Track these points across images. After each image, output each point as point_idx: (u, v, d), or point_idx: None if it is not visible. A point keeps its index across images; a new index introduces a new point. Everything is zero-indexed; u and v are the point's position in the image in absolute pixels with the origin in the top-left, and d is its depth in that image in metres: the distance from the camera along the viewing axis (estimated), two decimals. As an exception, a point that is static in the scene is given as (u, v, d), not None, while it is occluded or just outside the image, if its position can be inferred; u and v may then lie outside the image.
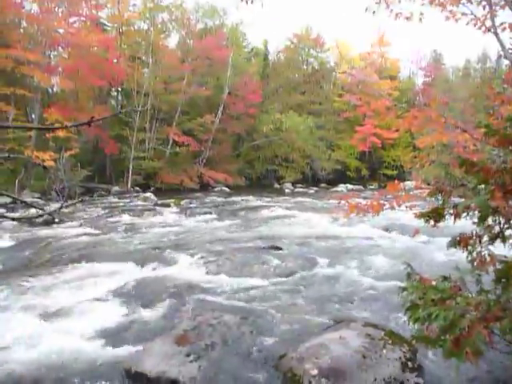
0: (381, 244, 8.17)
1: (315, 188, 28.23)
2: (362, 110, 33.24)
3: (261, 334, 3.79)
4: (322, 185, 31.06)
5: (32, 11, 22.00)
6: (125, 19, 27.49)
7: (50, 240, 9.28)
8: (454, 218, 2.17)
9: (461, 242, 2.11)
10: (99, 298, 5.15)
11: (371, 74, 34.03)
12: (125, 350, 3.65)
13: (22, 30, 21.98)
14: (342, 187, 27.21)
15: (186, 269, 6.72)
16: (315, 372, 3.00)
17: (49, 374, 3.37)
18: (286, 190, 27.20)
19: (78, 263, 7.26)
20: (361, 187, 28.92)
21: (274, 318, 4.18)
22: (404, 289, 2.15)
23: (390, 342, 3.38)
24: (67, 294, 5.46)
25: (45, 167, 18.57)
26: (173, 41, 33.69)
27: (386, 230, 9.69)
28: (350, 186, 27.80)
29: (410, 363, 3.19)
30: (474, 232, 2.08)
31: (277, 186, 31.07)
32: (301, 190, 27.50)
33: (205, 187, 27.23)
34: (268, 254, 7.41)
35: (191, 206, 16.97)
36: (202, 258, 7.22)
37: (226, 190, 26.49)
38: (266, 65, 36.89)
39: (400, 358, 3.21)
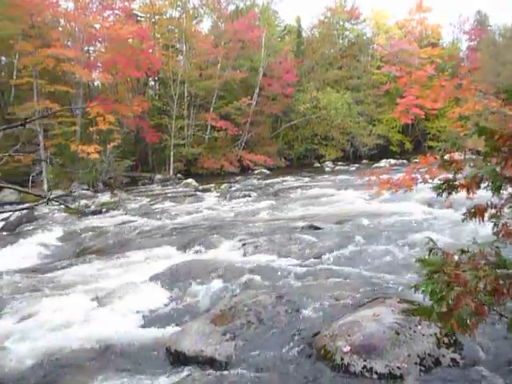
0: (422, 220, 7.97)
1: (356, 165, 27.69)
2: (402, 80, 31.97)
3: (296, 312, 3.85)
4: (364, 161, 30.40)
5: (68, 9, 22.72)
6: (157, 8, 27.75)
7: (98, 228, 9.75)
8: (467, 190, 2.11)
9: (476, 213, 2.04)
10: (144, 281, 5.40)
11: (411, 42, 32.61)
12: (166, 330, 3.85)
13: (60, 29, 22.75)
14: (384, 162, 26.51)
15: (225, 251, 6.89)
16: (347, 349, 3.03)
17: (98, 350, 3.62)
18: (326, 169, 26.89)
19: (124, 249, 7.62)
20: (404, 161, 28.10)
21: (309, 297, 4.23)
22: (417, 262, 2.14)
23: (426, 317, 3.35)
24: (115, 278, 5.79)
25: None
26: (205, 26, 33.72)
27: (430, 205, 9.39)
28: (392, 161, 27.03)
29: (446, 339, 3.15)
30: (489, 202, 2.00)
31: (317, 164, 30.74)
32: (341, 167, 27.08)
33: (245, 170, 27.40)
34: (305, 233, 7.44)
35: (231, 189, 17.18)
36: (240, 240, 7.37)
37: (266, 171, 26.55)
38: (299, 42, 36.16)
39: (436, 333, 3.17)
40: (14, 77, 20.90)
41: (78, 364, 3.44)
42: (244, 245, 7.02)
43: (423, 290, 1.84)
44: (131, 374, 3.21)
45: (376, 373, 2.86)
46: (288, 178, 20.30)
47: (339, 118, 31.14)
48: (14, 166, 18.60)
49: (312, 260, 5.95)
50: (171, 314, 4.31)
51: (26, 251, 7.98)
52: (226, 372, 3.07)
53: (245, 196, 14.23)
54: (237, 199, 13.74)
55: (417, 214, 8.47)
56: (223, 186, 18.05)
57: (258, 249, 6.71)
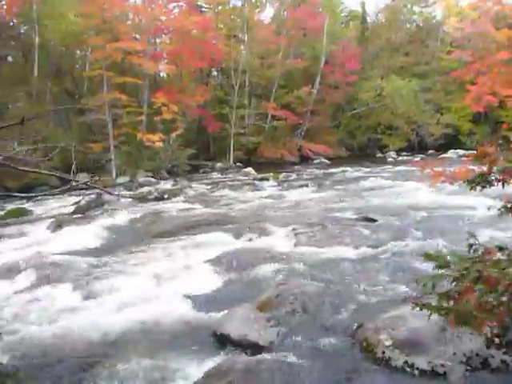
0: (485, 215, 7.53)
1: (421, 155, 26.51)
2: (474, 66, 29.99)
3: (341, 303, 3.86)
4: (430, 151, 29.03)
5: (136, 3, 23.68)
6: (220, -2, 28.12)
7: (160, 214, 10.21)
8: (502, 184, 1.98)
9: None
10: (198, 266, 5.64)
11: (485, 24, 30.40)
12: (214, 313, 4.01)
13: (129, 23, 23.78)
14: (451, 153, 25.20)
15: (277, 240, 6.96)
16: (389, 342, 3.00)
17: (151, 329, 3.87)
18: (389, 159, 26.04)
19: (181, 234, 7.94)
20: (475, 152, 26.50)
21: (356, 289, 4.21)
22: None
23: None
24: (172, 261, 6.09)
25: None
26: (267, 14, 33.62)
27: (501, 199, 8.81)
28: (461, 152, 25.59)
29: (497, 339, 3.01)
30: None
31: (380, 155, 29.86)
32: (405, 158, 26.08)
33: (304, 160, 27.25)
34: (360, 225, 7.34)
35: (289, 179, 17.21)
36: (294, 229, 7.40)
37: (326, 161, 26.22)
38: (364, 28, 34.98)
39: (485, 333, 3.04)
40: (87, 69, 22.20)
41: (132, 341, 3.70)
42: (296, 234, 7.06)
43: (423, 285, 1.81)
44: (179, 353, 3.40)
45: (418, 369, 2.82)
46: (348, 168, 19.93)
47: (404, 106, 29.91)
48: (86, 154, 19.89)
49: (364, 252, 5.86)
50: (220, 299, 4.47)
51: (94, 233, 8.55)
52: (267, 357, 3.16)
53: (302, 186, 14.19)
54: (294, 189, 13.74)
55: (481, 209, 8.01)
56: (281, 176, 18.10)
57: (310, 239, 6.72)
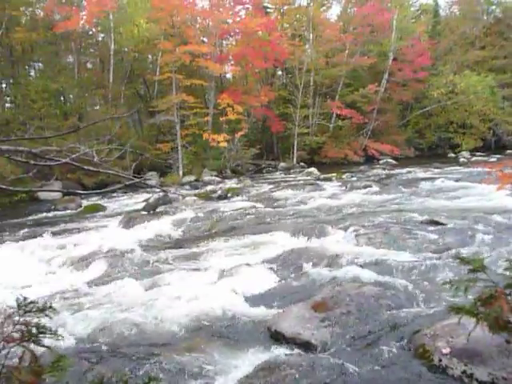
0: None
1: (498, 156, 24.81)
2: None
3: (398, 308, 3.77)
4: (508, 151, 27.10)
5: (204, 8, 24.41)
6: (285, -1, 28.17)
7: (223, 212, 10.49)
8: None
9: None
10: (257, 263, 5.76)
11: None
12: (269, 311, 4.09)
13: (197, 26, 24.58)
14: (533, 153, 23.35)
15: (337, 241, 6.91)
16: (447, 350, 2.90)
17: (208, 322, 4.02)
18: (461, 160, 24.62)
19: (242, 233, 8.12)
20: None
21: (415, 294, 4.09)
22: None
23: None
24: (232, 258, 6.27)
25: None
26: (333, 12, 33.18)
27: None
28: (545, 152, 23.64)
29: None
30: None
31: (451, 155, 28.33)
32: (479, 158, 24.52)
33: (370, 160, 26.57)
34: (425, 228, 7.06)
35: (352, 179, 16.88)
36: (354, 230, 7.30)
37: (392, 162, 25.37)
38: (436, 22, 33.30)
39: (556, 346, 2.84)
40: (157, 73, 23.27)
41: (191, 332, 3.88)
42: (357, 236, 6.95)
43: (456, 288, 1.73)
44: (235, 346, 3.52)
45: (476, 380, 2.70)
46: (416, 169, 19.16)
47: (479, 103, 28.16)
48: (155, 154, 20.87)
49: (428, 257, 5.65)
50: (276, 297, 4.54)
51: (161, 229, 9.00)
52: (320, 356, 3.18)
53: (366, 186, 13.86)
54: (357, 189, 13.46)
55: None
56: (345, 176, 17.82)
57: (371, 240, 6.59)
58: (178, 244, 7.93)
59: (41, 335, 0.75)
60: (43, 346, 0.77)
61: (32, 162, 1.33)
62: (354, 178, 16.98)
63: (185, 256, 6.76)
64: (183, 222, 9.70)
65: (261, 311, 4.16)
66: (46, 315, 0.83)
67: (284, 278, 5.14)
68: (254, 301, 4.49)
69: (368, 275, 4.81)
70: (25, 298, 0.82)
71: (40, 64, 25.39)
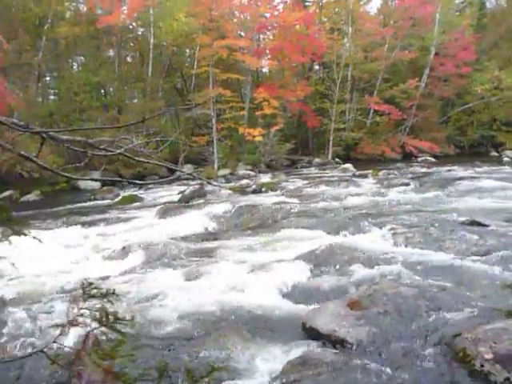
0: None
1: (546, 155, 23.72)
2: None
3: (437, 310, 3.66)
4: (556, 151, 25.83)
5: (242, 2, 24.46)
6: (325, -8, 27.81)
7: (256, 207, 10.49)
8: None
9: None
10: (290, 259, 5.74)
11: None
12: (303, 306, 4.07)
13: (234, 20, 24.65)
14: None
15: (373, 239, 6.78)
16: (490, 356, 2.79)
17: (242, 315, 4.05)
18: (505, 159, 23.63)
19: (276, 227, 8.13)
20: None
21: (456, 296, 3.96)
22: None
23: None
24: (265, 253, 6.28)
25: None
26: (374, 5, 32.47)
27: None
28: None
29: None
30: None
31: (494, 154, 27.28)
32: (525, 157, 23.52)
33: (407, 157, 25.94)
34: (466, 229, 6.81)
35: (389, 176, 16.50)
36: (391, 229, 7.14)
37: (431, 159, 24.67)
38: (482, 15, 31.95)
39: None
40: (195, 67, 23.51)
41: (224, 324, 3.91)
42: (394, 234, 6.80)
43: None
44: (269, 340, 3.53)
45: (521, 387, 2.59)
46: (456, 167, 18.54)
47: (527, 99, 26.95)
48: (192, 147, 21.14)
49: (469, 259, 5.46)
50: (311, 292, 4.51)
51: (196, 221, 9.12)
52: (355, 355, 3.14)
53: (403, 184, 13.54)
54: (394, 187, 13.17)
55: None
56: (381, 173, 17.45)
57: (408, 240, 6.43)
58: (212, 236, 8.02)
59: (117, 321, 0.77)
60: (117, 331, 0.79)
61: (89, 151, 1.38)
62: (391, 176, 16.61)
63: (218, 248, 6.82)
64: (218, 215, 9.78)
65: (294, 306, 4.15)
66: (109, 301, 0.85)
67: (318, 274, 5.10)
68: (287, 296, 4.48)
69: (405, 275, 4.70)
70: (89, 284, 0.84)
71: (82, 58, 26.16)
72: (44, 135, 1.23)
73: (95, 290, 0.84)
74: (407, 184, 13.33)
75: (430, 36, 27.16)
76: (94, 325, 0.83)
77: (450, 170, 17.69)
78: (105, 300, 0.85)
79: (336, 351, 3.23)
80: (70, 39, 23.50)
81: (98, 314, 0.82)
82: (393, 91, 26.94)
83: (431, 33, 27.06)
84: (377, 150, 25.99)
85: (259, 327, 3.79)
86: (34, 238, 0.84)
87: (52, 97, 24.85)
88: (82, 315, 0.85)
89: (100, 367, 0.71)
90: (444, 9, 27.34)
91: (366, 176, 16.70)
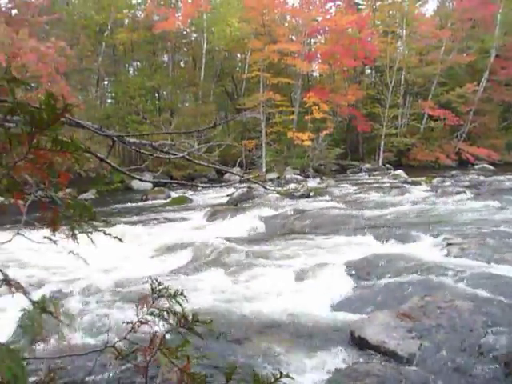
0: None
1: None
2: None
3: (495, 326, 3.47)
4: None
5: (294, 6, 24.49)
6: (378, -6, 27.28)
7: (303, 211, 10.43)
8: None
9: None
10: (337, 265, 5.63)
11: None
12: (351, 316, 3.99)
13: (286, 25, 24.70)
14: None
15: (425, 248, 6.54)
16: (555, 378, 2.61)
17: (287, 320, 4.02)
18: None
19: (324, 233, 8.03)
20: None
21: (516, 313, 3.73)
22: None
23: None
24: (312, 258, 6.22)
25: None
26: (430, 7, 31.47)
27: None
28: None
29: None
30: None
31: (562, 162, 25.57)
32: None
33: (463, 164, 24.84)
34: (528, 242, 6.43)
35: (444, 184, 15.87)
36: (445, 239, 6.85)
37: (489, 167, 23.46)
38: (549, 15, 30.11)
39: None
40: (246, 71, 23.78)
41: (269, 328, 3.91)
42: (449, 244, 6.52)
43: None
44: (313, 348, 3.48)
45: None
46: (518, 176, 17.55)
47: None
48: (239, 150, 21.36)
49: (531, 273, 5.14)
50: (358, 301, 4.42)
51: (243, 224, 9.21)
52: (405, 369, 3.04)
53: (459, 193, 12.96)
54: (449, 195, 12.64)
55: None
56: (435, 180, 16.83)
57: (464, 251, 6.14)
58: (258, 239, 8.05)
59: (196, 323, 0.80)
60: (196, 333, 0.81)
61: (154, 154, 1.44)
62: (446, 183, 15.97)
63: (265, 252, 6.84)
64: (265, 218, 9.81)
65: (342, 314, 4.08)
66: (177, 301, 0.88)
67: (367, 282, 4.98)
68: (334, 303, 4.41)
69: (461, 288, 4.49)
70: (159, 283, 0.87)
71: (138, 63, 27.20)
72: (114, 138, 1.29)
73: (164, 290, 0.87)
74: (463, 192, 12.75)
75: (491, 38, 25.90)
76: (163, 324, 0.86)
77: (510, 179, 16.75)
78: (173, 301, 0.87)
79: (385, 363, 3.14)
80: (128, 45, 24.49)
81: (166, 313, 0.85)
82: (449, 96, 25.91)
83: (492, 34, 25.80)
84: (430, 157, 25.10)
85: (306, 334, 3.75)
86: (116, 237, 0.88)
87: (109, 100, 26.00)
88: (151, 314, 0.88)
89: (176, 367, 0.74)
90: (506, 9, 25.99)
91: (418, 183, 16.17)
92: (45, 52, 14.73)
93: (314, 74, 29.51)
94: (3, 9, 18.73)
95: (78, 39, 22.17)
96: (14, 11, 18.80)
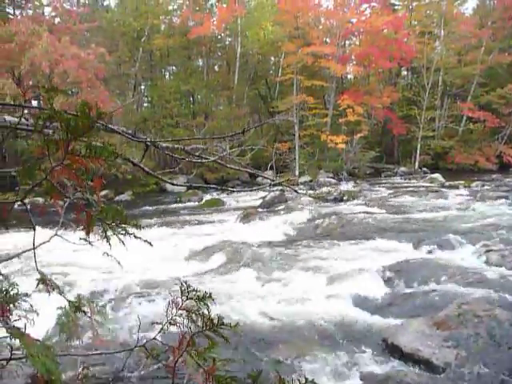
0: None
1: None
2: None
3: (538, 337, 3.32)
4: None
5: (328, 8, 24.32)
6: (416, -6, 26.67)
7: (337, 215, 10.32)
8: None
9: None
10: (370, 270, 5.54)
11: None
12: (384, 322, 3.91)
13: (320, 27, 24.57)
14: None
15: (462, 255, 6.34)
16: None
17: (319, 325, 3.99)
18: None
19: (357, 237, 7.91)
20: None
21: (561, 324, 3.55)
22: None
23: None
24: (344, 263, 6.14)
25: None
26: (469, 6, 30.53)
27: None
28: None
29: None
30: None
31: None
32: None
33: (505, 168, 23.89)
34: None
35: (484, 188, 15.33)
36: (484, 245, 6.62)
37: (533, 171, 22.51)
38: None
39: None
40: (279, 74, 23.79)
41: (300, 333, 3.88)
42: (488, 251, 6.29)
43: None
44: (348, 354, 3.43)
45: None
46: None
47: None
48: (272, 153, 21.37)
49: None
50: (392, 307, 4.33)
51: (276, 227, 9.21)
52: (440, 379, 2.95)
53: (500, 197, 12.47)
54: (489, 200, 12.19)
55: None
56: (474, 184, 16.28)
57: (504, 259, 5.91)
58: (291, 243, 8.02)
59: (222, 326, 0.81)
60: (222, 336, 0.83)
61: (186, 158, 1.47)
62: (486, 188, 15.42)
63: (297, 255, 6.81)
64: (297, 222, 9.78)
65: (375, 320, 4.00)
66: (205, 304, 0.90)
67: (401, 288, 4.87)
68: (367, 309, 4.33)
69: (500, 297, 4.32)
70: (188, 286, 0.89)
71: (174, 67, 27.72)
72: (148, 143, 1.33)
73: (193, 293, 0.89)
74: (505, 197, 12.26)
75: (535, 36, 24.87)
76: (192, 326, 0.87)
77: (556, 184, 16.00)
78: (201, 303, 0.89)
79: (419, 372, 3.06)
80: (164, 50, 25.01)
81: (194, 315, 0.86)
82: (490, 97, 25.02)
83: (537, 32, 24.78)
84: (469, 160, 24.28)
85: (338, 339, 3.71)
86: (146, 241, 0.91)
87: (145, 104, 26.64)
88: (180, 315, 0.89)
89: (202, 368, 0.75)
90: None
91: (456, 187, 15.69)
92: (85, 58, 15.27)
93: (349, 76, 29.19)
94: (47, 17, 19.57)
95: (117, 45, 22.87)
96: (57, 19, 19.61)
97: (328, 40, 24.43)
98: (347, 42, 26.57)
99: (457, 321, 3.58)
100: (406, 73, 29.76)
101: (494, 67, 25.56)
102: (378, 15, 23.08)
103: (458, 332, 3.41)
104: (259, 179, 19.24)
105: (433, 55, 24.99)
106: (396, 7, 28.39)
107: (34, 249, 0.92)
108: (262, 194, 13.62)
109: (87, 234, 0.82)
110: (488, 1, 27.78)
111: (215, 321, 0.81)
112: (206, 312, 0.85)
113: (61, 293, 0.84)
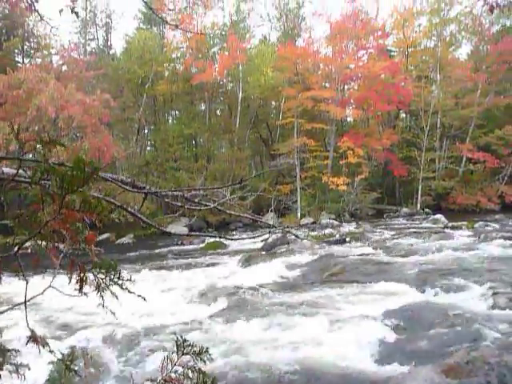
0: None
1: None
2: None
3: (552, 386, 3.18)
4: None
5: (327, 54, 25.18)
6: (410, 41, 27.61)
7: (339, 257, 10.22)
8: None
9: None
10: (375, 315, 5.41)
11: None
12: (391, 368, 3.77)
13: (319, 72, 25.31)
14: None
15: (469, 298, 6.20)
16: None
17: (321, 373, 3.84)
18: None
19: (360, 280, 7.78)
20: None
21: None
22: None
23: None
24: (349, 307, 6.01)
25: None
26: (463, 51, 31.53)
27: None
28: None
29: None
30: None
31: None
32: None
33: (507, 208, 23.81)
34: None
35: (487, 229, 15.23)
36: (490, 288, 6.49)
37: (536, 211, 22.42)
38: None
39: None
40: (280, 118, 24.29)
41: (305, 381, 3.74)
42: (495, 294, 6.16)
43: None
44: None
45: None
46: None
47: None
48: (274, 195, 21.43)
49: None
50: (396, 354, 4.18)
51: (277, 270, 9.08)
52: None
53: (503, 238, 12.36)
54: (493, 240, 12.08)
55: None
56: (477, 225, 16.18)
57: (511, 302, 5.78)
58: (293, 287, 7.88)
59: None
60: None
61: (186, 206, 1.48)
62: (489, 228, 15.32)
63: (300, 299, 6.67)
64: (300, 265, 9.67)
65: (381, 367, 3.86)
66: (201, 359, 0.87)
67: (406, 333, 4.73)
68: (371, 355, 4.19)
69: (510, 342, 4.19)
70: (184, 340, 0.86)
71: (177, 112, 28.37)
72: (146, 192, 1.34)
73: (189, 348, 0.86)
74: (509, 238, 12.15)
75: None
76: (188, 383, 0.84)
77: (559, 224, 15.90)
78: (198, 358, 0.86)
79: (430, 424, 2.92)
80: (167, 96, 25.68)
81: (190, 372, 0.83)
82: (488, 138, 25.38)
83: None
84: (471, 200, 24.28)
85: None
86: (139, 296, 0.89)
87: (149, 148, 27.05)
88: (175, 372, 0.86)
89: None
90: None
91: (459, 228, 15.60)
92: (90, 104, 15.66)
93: (348, 118, 29.76)
94: (55, 65, 20.26)
95: (122, 91, 23.52)
96: (64, 67, 20.29)
97: (327, 84, 25.09)
98: (346, 87, 27.28)
99: (467, 368, 3.45)
100: (404, 115, 30.34)
101: (490, 109, 26.08)
102: (375, 61, 23.83)
103: (468, 381, 3.29)
104: (267, 220, 19.21)
105: (430, 98, 25.57)
106: (392, 53, 29.35)
107: (25, 302, 0.90)
108: (264, 235, 13.54)
109: (80, 288, 0.80)
110: (481, 46, 28.71)
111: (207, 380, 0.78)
112: (202, 368, 0.82)
113: (51, 351, 0.81)
